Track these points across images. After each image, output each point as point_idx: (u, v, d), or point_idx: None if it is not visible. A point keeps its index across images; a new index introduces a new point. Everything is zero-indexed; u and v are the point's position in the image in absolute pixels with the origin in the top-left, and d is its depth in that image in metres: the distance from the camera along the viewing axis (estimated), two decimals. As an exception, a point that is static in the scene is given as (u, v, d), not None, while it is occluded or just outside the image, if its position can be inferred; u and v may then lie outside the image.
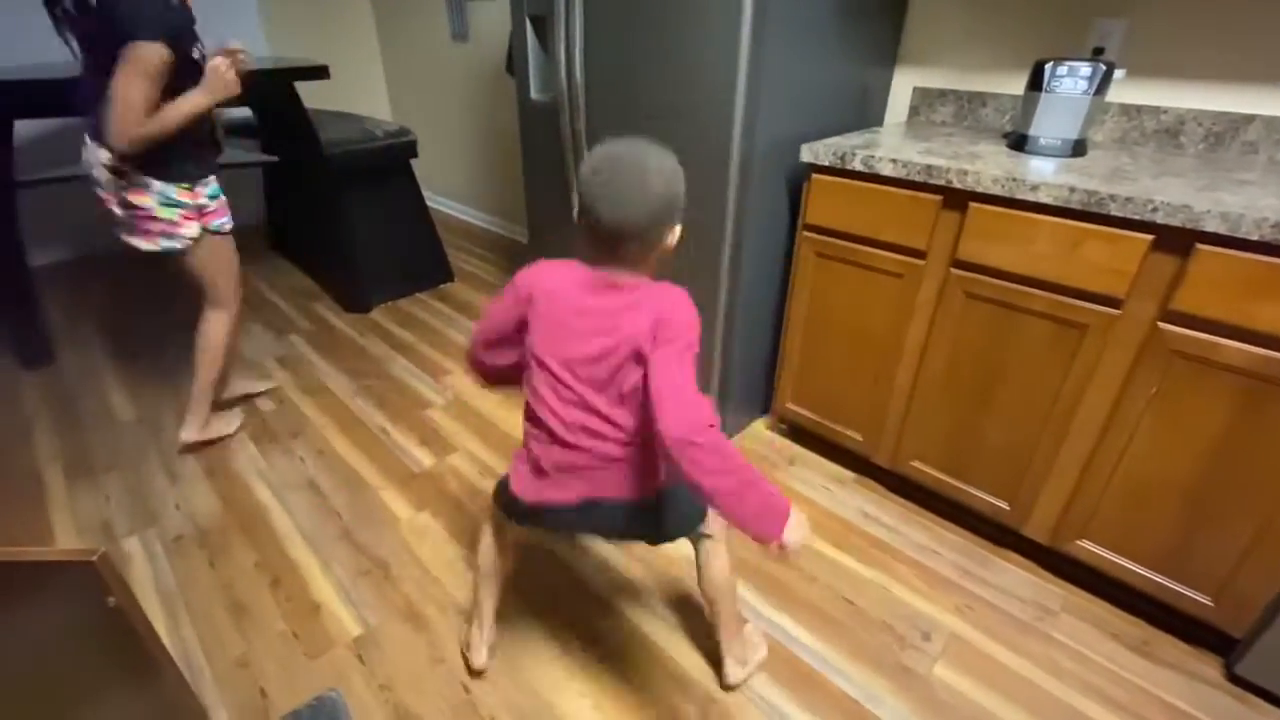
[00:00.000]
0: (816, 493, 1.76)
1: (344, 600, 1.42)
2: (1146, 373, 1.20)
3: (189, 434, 1.87)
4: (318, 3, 3.75)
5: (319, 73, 2.41)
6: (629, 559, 1.53)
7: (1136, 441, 1.26)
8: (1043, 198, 1.22)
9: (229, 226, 1.74)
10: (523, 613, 1.40)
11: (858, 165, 1.46)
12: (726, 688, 1.25)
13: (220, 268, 1.74)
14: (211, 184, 1.69)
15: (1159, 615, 1.40)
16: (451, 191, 4.11)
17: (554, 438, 0.96)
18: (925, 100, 1.86)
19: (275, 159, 2.75)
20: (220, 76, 1.47)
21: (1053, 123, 1.41)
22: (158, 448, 1.92)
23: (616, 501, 0.99)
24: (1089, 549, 1.39)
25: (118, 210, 1.58)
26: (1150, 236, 1.13)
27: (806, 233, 1.62)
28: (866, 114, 1.88)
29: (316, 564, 1.51)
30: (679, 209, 0.91)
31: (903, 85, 1.91)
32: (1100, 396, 1.28)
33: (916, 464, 1.61)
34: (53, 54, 2.33)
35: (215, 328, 1.80)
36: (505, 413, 2.10)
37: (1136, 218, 1.13)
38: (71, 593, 0.66)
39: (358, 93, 4.07)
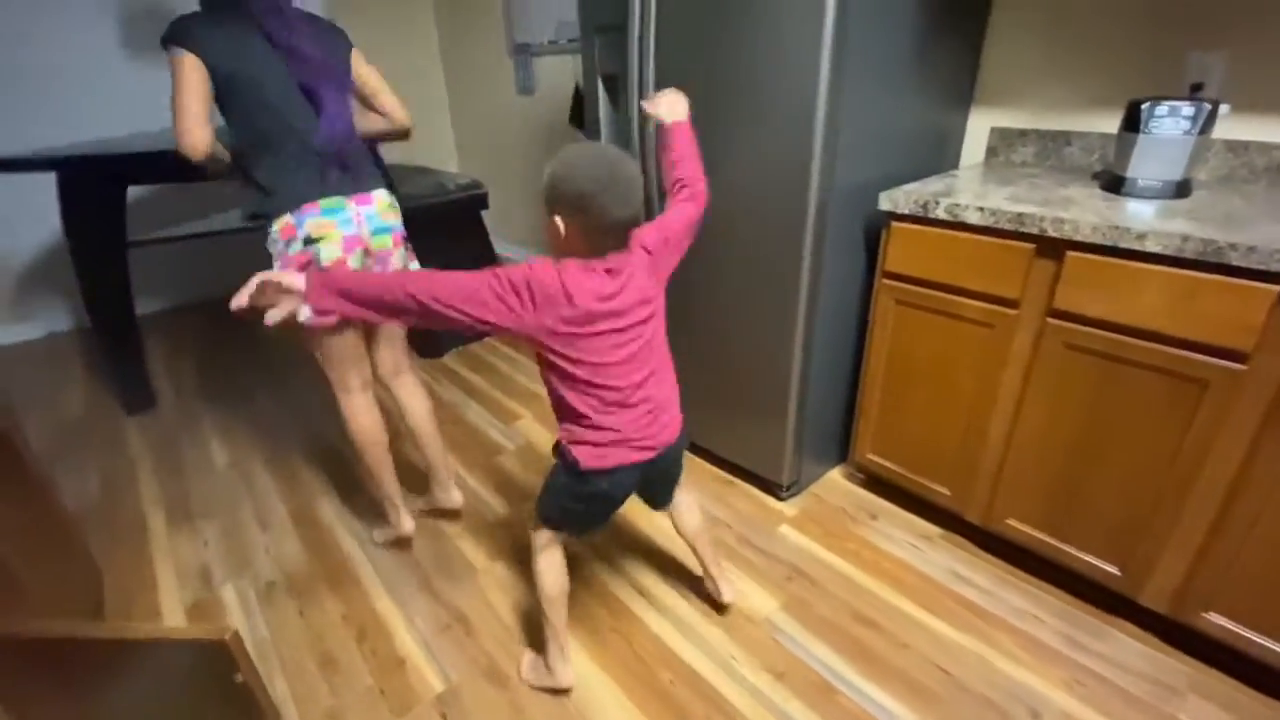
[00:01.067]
0: (903, 550, 1.68)
1: (427, 655, 1.43)
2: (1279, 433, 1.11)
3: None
4: (392, 62, 3.98)
5: (402, 135, 2.54)
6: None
7: (1271, 506, 1.15)
8: (1150, 246, 1.15)
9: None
10: (596, 661, 1.38)
11: (941, 214, 1.42)
12: (724, 607, 1.49)
13: (313, 341, 1.51)
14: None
15: (1302, 698, 1.26)
16: (518, 239, 4.23)
17: (644, 401, 1.11)
18: (1004, 141, 1.81)
19: (357, 213, 2.89)
20: None
21: (1152, 165, 1.34)
22: (250, 494, 2.01)
23: (671, 444, 1.18)
24: (1217, 622, 1.27)
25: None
26: (1278, 288, 1.06)
27: (886, 280, 1.59)
28: (943, 157, 1.84)
29: (400, 617, 1.53)
30: None
31: (979, 125, 1.86)
32: (1227, 456, 1.18)
33: (1012, 522, 1.52)
34: (156, 121, 2.54)
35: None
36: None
37: (1261, 268, 1.06)
38: (203, 668, 0.69)
39: (426, 145, 4.28)
